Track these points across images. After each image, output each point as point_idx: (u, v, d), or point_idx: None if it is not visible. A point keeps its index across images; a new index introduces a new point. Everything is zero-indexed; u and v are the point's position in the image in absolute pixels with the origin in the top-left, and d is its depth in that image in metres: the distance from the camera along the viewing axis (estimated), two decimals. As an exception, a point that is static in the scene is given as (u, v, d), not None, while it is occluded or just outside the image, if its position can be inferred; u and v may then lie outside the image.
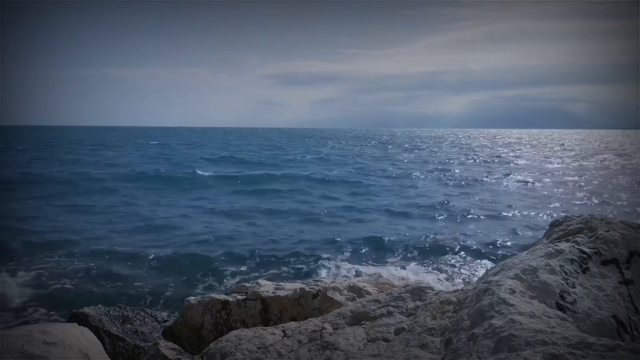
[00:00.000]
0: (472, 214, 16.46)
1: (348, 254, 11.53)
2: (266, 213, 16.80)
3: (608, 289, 2.91)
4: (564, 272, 2.93)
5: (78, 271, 9.95)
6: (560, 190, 22.98)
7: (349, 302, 3.95)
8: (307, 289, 4.28)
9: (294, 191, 22.35)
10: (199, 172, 28.99)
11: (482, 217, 16.04)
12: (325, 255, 11.27)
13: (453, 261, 10.99)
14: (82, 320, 4.80)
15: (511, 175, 29.03)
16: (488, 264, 10.47)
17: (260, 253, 11.51)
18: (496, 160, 41.92)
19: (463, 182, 25.82)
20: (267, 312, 4.22)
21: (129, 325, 5.09)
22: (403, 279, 9.05)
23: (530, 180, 26.87)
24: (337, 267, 10.52)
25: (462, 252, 11.65)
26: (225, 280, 9.68)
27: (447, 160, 41.99)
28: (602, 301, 2.82)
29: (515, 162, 40.69)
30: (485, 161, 41.27)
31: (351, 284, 4.43)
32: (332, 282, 4.44)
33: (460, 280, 9.57)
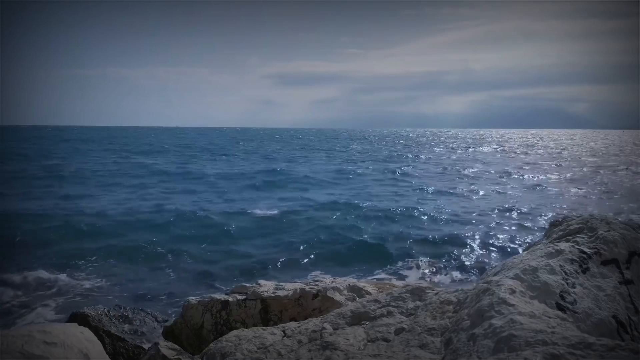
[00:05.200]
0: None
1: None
2: (263, 211, 16.79)
3: (608, 289, 2.91)
4: (564, 272, 2.93)
5: (78, 271, 9.95)
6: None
7: (349, 302, 3.95)
8: (307, 289, 4.28)
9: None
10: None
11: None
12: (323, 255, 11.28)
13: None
14: (82, 320, 4.81)
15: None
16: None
17: (260, 253, 11.50)
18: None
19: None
20: (267, 312, 4.22)
21: (129, 325, 5.09)
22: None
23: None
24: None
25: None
26: (225, 281, 9.68)
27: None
28: (602, 301, 2.82)
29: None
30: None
31: (351, 284, 4.43)
32: (332, 282, 4.44)
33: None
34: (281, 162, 38.09)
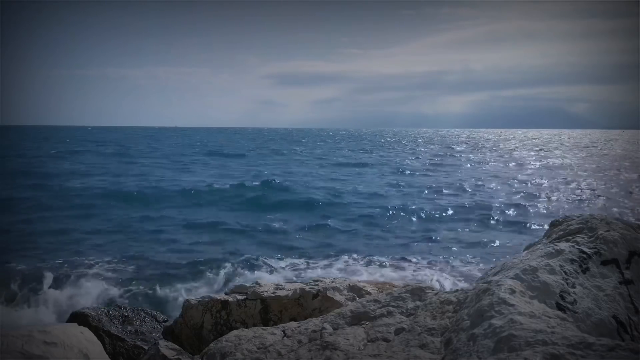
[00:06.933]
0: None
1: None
2: (262, 212, 16.78)
3: (608, 289, 2.91)
4: (564, 272, 2.93)
5: (78, 271, 9.94)
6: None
7: (349, 302, 3.95)
8: (307, 289, 4.28)
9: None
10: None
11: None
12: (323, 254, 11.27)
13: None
14: (82, 320, 4.80)
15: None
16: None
17: (260, 253, 11.50)
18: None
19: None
20: (267, 312, 4.21)
21: (129, 326, 5.09)
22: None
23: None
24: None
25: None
26: (225, 280, 9.67)
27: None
28: (602, 301, 2.82)
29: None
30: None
31: (351, 284, 4.43)
32: (332, 282, 4.44)
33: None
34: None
